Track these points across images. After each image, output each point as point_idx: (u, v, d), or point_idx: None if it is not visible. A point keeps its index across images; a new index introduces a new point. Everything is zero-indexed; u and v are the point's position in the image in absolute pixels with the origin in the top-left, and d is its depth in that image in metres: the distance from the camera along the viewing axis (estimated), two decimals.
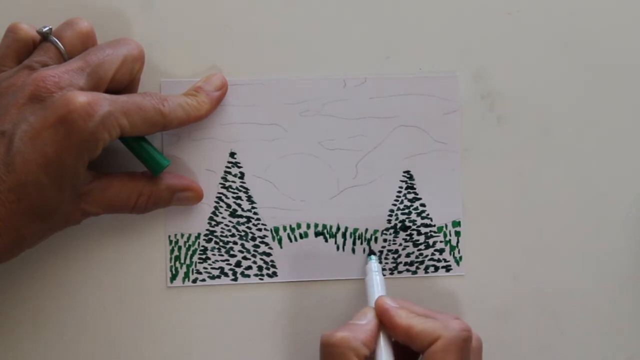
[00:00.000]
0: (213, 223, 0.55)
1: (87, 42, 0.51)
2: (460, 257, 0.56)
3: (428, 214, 0.56)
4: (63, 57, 0.50)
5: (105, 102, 0.47)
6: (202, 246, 0.55)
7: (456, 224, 0.56)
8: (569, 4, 0.57)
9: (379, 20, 0.55)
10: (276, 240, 0.55)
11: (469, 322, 0.54)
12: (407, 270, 0.56)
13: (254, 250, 0.55)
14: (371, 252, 0.55)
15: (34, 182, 0.46)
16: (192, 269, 0.55)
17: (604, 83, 0.57)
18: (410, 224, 0.56)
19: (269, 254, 0.55)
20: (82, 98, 0.46)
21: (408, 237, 0.56)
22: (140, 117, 0.49)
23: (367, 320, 0.49)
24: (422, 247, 0.56)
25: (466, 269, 0.56)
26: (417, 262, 0.56)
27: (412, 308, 0.50)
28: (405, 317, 0.49)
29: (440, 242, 0.56)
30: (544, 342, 0.57)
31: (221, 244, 0.55)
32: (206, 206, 0.55)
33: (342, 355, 0.47)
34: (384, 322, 0.49)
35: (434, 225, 0.56)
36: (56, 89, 0.47)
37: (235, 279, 0.55)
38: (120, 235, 0.54)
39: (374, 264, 0.54)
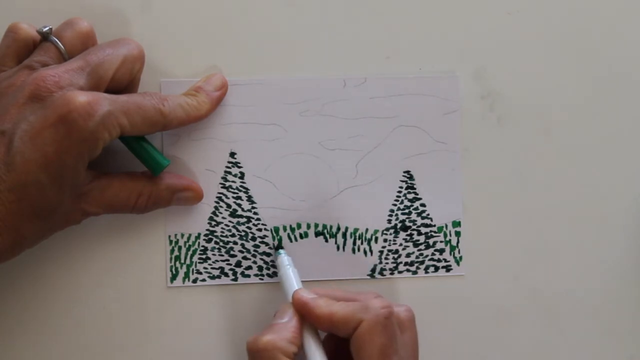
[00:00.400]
0: (213, 223, 0.55)
1: (87, 42, 0.51)
2: (460, 257, 0.56)
3: (428, 214, 0.56)
4: (63, 57, 0.50)
5: (105, 102, 0.47)
6: (202, 246, 0.55)
7: (456, 224, 0.56)
8: (569, 4, 0.57)
9: (379, 20, 0.55)
10: (276, 240, 0.55)
11: (469, 322, 0.54)
12: (407, 270, 0.56)
13: (254, 250, 0.55)
14: (279, 247, 0.55)
15: (34, 182, 0.46)
16: (192, 269, 0.55)
17: (604, 83, 0.57)
18: (411, 224, 0.56)
19: (269, 254, 0.55)
20: (82, 97, 0.46)
21: (408, 237, 0.56)
22: (141, 116, 0.49)
23: (288, 318, 0.49)
24: (422, 247, 0.56)
25: (466, 269, 0.56)
26: (417, 262, 0.56)
27: (331, 294, 0.50)
28: (325, 306, 0.49)
29: (441, 242, 0.56)
30: (544, 342, 0.57)
31: (221, 244, 0.55)
32: (206, 206, 0.55)
33: (271, 359, 0.47)
34: (305, 316, 0.49)
35: (434, 225, 0.56)
36: (56, 89, 0.47)
37: (235, 279, 0.55)
38: (120, 235, 0.54)
39: (284, 258, 0.53)
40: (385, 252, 0.56)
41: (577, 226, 0.57)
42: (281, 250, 0.54)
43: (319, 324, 0.49)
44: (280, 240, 0.55)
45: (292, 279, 0.52)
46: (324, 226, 0.55)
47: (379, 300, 0.49)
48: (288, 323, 0.49)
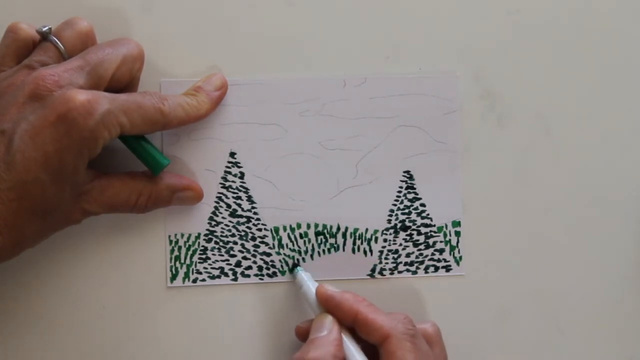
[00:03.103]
0: (213, 223, 0.55)
1: (86, 42, 0.51)
2: (460, 257, 0.56)
3: (428, 214, 0.56)
4: (63, 57, 0.50)
5: (105, 101, 0.47)
6: (202, 246, 0.55)
7: (456, 224, 0.56)
8: (569, 4, 0.57)
9: (379, 20, 0.55)
10: (276, 240, 0.55)
11: (469, 322, 0.54)
12: (407, 270, 0.56)
13: (254, 250, 0.55)
14: (295, 265, 0.55)
15: (34, 181, 0.46)
16: (192, 269, 0.55)
17: (604, 83, 0.57)
18: (410, 224, 0.56)
19: (269, 254, 0.55)
20: (82, 96, 0.46)
21: (408, 237, 0.56)
22: (140, 115, 0.49)
23: (327, 330, 0.50)
24: (422, 247, 0.56)
25: (466, 269, 0.56)
26: (417, 262, 0.56)
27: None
28: (352, 301, 0.50)
29: (440, 242, 0.56)
30: (544, 342, 0.57)
31: (221, 244, 0.55)
32: (206, 206, 0.55)
33: None
34: (330, 309, 0.50)
35: (434, 225, 0.56)
36: (56, 88, 0.47)
37: (235, 279, 0.55)
38: (120, 235, 0.54)
39: (304, 274, 0.54)
40: (385, 252, 0.56)
41: (577, 226, 0.57)
42: (298, 268, 0.54)
43: (343, 318, 0.50)
44: (296, 259, 0.55)
45: (312, 290, 0.52)
46: (324, 226, 0.55)
47: (404, 320, 0.50)
48: (329, 336, 0.49)
